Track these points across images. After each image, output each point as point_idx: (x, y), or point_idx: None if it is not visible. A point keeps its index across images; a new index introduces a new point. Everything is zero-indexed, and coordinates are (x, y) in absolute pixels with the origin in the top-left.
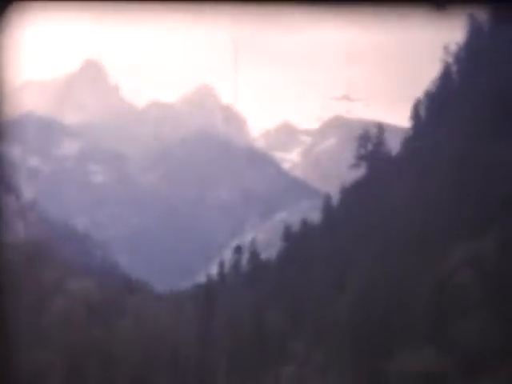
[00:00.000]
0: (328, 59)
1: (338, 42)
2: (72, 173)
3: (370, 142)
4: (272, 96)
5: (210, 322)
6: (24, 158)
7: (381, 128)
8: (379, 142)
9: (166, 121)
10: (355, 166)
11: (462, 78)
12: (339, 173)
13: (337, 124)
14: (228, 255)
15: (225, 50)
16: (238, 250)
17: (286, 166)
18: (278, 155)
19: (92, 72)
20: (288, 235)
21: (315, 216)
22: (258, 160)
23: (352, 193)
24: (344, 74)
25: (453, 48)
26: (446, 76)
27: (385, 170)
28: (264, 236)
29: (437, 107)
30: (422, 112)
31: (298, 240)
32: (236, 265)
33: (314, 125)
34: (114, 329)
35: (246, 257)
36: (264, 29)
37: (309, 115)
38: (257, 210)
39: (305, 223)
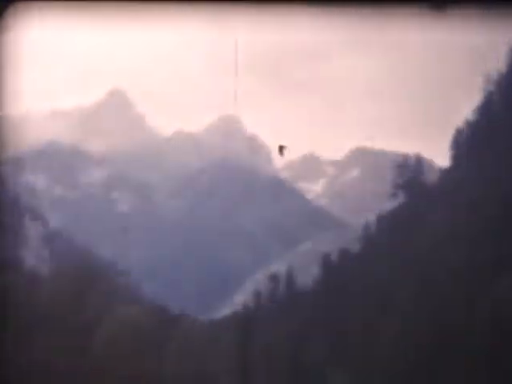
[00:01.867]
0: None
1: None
2: (97, 200)
3: (408, 171)
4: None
5: (249, 350)
6: (50, 186)
7: (418, 157)
8: (418, 171)
9: (190, 150)
10: (393, 195)
11: (504, 107)
12: (363, 204)
13: (360, 155)
14: (252, 285)
15: (249, 81)
16: (274, 278)
17: (310, 196)
18: (303, 186)
19: (117, 100)
20: (326, 264)
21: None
22: (283, 190)
23: (389, 222)
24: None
25: (494, 76)
26: (487, 105)
27: (423, 200)
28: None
29: (478, 137)
30: (463, 142)
31: (336, 269)
32: (272, 293)
33: (338, 156)
34: (161, 357)
35: (281, 286)
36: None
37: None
38: (281, 240)
39: (343, 252)
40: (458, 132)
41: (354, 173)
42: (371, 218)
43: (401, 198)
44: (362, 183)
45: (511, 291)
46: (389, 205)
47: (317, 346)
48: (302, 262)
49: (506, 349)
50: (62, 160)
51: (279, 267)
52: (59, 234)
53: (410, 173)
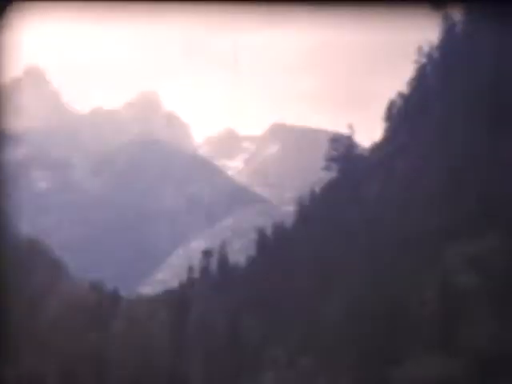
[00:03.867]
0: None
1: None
2: (15, 180)
3: (341, 144)
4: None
5: (184, 327)
6: None
7: (352, 130)
8: (351, 144)
9: (108, 127)
10: (326, 168)
11: (436, 78)
12: (283, 180)
13: (279, 131)
14: (173, 261)
15: (170, 53)
16: (208, 254)
17: (229, 172)
18: (222, 162)
19: (34, 78)
20: (261, 239)
21: (261, 221)
22: (202, 167)
23: (324, 195)
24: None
25: (426, 48)
26: (420, 77)
27: (358, 172)
28: (209, 243)
29: (411, 109)
30: (396, 114)
31: (272, 244)
32: (205, 269)
33: (258, 132)
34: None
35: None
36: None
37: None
38: (201, 217)
39: (278, 227)
40: (392, 104)
41: (274, 149)
42: (304, 192)
43: (334, 171)
44: (281, 159)
45: (459, 260)
46: (322, 178)
47: (253, 322)
48: (223, 238)
49: (453, 321)
50: None
51: (200, 243)
52: None
53: (343, 145)
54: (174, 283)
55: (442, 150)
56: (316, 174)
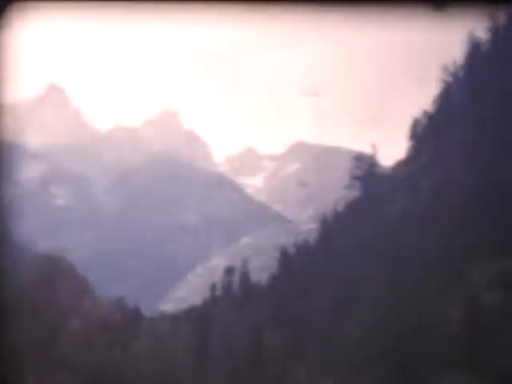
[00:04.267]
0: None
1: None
2: (35, 196)
3: (364, 163)
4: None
5: (207, 344)
6: None
7: (375, 148)
8: (373, 163)
9: (128, 144)
10: (350, 186)
11: (461, 97)
12: (302, 198)
13: (299, 149)
14: (193, 279)
15: (192, 72)
16: (230, 271)
17: (249, 190)
18: (242, 180)
19: (55, 95)
20: (284, 257)
21: (280, 240)
22: (222, 185)
23: (347, 213)
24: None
25: (451, 67)
26: (445, 96)
27: (382, 190)
28: (229, 261)
29: (436, 127)
30: (420, 132)
31: (295, 261)
32: (228, 287)
33: (278, 150)
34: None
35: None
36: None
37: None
38: (221, 234)
39: (300, 245)
40: (416, 122)
41: (294, 167)
42: (327, 210)
43: (358, 189)
44: (301, 178)
45: (485, 278)
46: (342, 197)
47: (276, 340)
48: (242, 256)
49: (479, 339)
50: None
51: (219, 261)
52: None
53: (366, 164)
54: (194, 301)
55: (468, 168)
56: (336, 192)
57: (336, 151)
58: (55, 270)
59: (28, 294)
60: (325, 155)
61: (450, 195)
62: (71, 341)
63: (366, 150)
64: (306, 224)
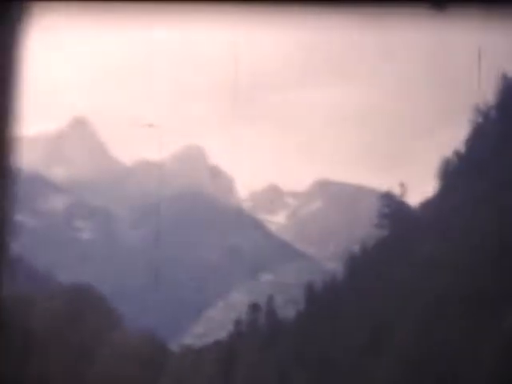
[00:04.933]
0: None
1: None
2: (58, 229)
3: (393, 201)
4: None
5: (231, 382)
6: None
7: (404, 187)
8: (402, 202)
9: (152, 178)
10: (379, 225)
11: (492, 139)
12: (325, 236)
13: (322, 186)
14: (212, 314)
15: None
16: (255, 307)
17: (271, 227)
18: (265, 217)
19: (80, 128)
20: (310, 294)
21: (302, 277)
22: (245, 221)
23: (375, 252)
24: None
25: (483, 108)
26: (476, 136)
27: (411, 230)
28: (249, 297)
29: (467, 168)
30: (450, 172)
31: (321, 299)
32: (253, 323)
33: (301, 187)
34: None
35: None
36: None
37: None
38: (242, 271)
39: (327, 282)
40: (446, 162)
41: (317, 205)
42: (354, 247)
43: (386, 228)
44: (324, 216)
45: None
46: (366, 235)
47: (303, 377)
48: (264, 293)
49: None
50: (24, 187)
51: (239, 297)
52: (20, 260)
53: (395, 202)
54: (213, 337)
55: (500, 210)
56: (359, 231)
57: (358, 189)
58: (84, 300)
59: (56, 324)
60: (348, 193)
61: (480, 238)
62: (99, 372)
63: (388, 187)
64: (328, 262)
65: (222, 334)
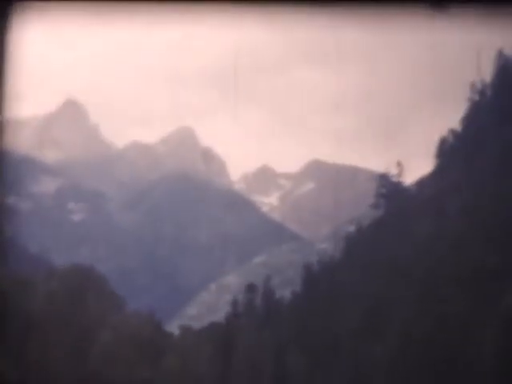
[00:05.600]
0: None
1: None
2: (50, 211)
3: (389, 181)
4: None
5: (230, 362)
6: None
7: (401, 166)
8: (399, 181)
9: (144, 161)
10: (375, 205)
11: (489, 117)
12: (318, 217)
13: (315, 168)
14: (205, 297)
15: (207, 89)
16: (252, 288)
17: (264, 209)
18: (258, 198)
19: (71, 111)
20: (307, 274)
21: (295, 259)
22: (237, 203)
23: (372, 232)
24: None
25: (479, 86)
26: (473, 115)
27: (408, 209)
28: (242, 279)
29: (464, 146)
30: (447, 150)
31: (318, 280)
32: (250, 304)
33: (294, 168)
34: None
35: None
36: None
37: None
38: (235, 253)
39: (324, 262)
40: (443, 141)
41: (310, 186)
42: (349, 227)
43: (383, 208)
44: (317, 197)
45: None
46: (370, 214)
47: (299, 358)
48: (257, 275)
49: None
50: (15, 170)
51: (232, 279)
52: (12, 242)
53: (391, 182)
54: (205, 319)
55: (497, 186)
56: (351, 211)
57: (351, 170)
58: (85, 280)
59: (56, 305)
60: (340, 174)
61: (478, 214)
62: (100, 354)
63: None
64: (321, 243)
65: (217, 316)
